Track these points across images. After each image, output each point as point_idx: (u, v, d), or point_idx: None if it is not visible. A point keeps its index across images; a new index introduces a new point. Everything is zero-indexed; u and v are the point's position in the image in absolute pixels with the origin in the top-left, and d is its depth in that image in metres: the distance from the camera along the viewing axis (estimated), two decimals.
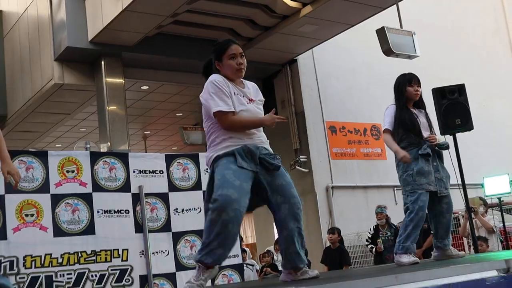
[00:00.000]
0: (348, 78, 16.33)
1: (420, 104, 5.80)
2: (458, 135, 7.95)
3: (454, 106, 7.74)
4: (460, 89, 7.93)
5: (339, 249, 11.72)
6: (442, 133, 7.75)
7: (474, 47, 19.33)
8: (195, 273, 4.05)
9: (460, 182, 7.28)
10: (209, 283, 4.41)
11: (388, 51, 11.79)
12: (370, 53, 13.98)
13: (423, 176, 5.45)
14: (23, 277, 5.91)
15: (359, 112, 16.58)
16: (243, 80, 4.50)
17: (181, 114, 18.13)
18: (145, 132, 19.47)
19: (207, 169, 4.70)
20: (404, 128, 5.58)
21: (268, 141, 4.44)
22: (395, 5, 12.55)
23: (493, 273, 3.57)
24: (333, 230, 12.24)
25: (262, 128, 4.42)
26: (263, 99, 4.58)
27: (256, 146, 4.19)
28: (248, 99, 4.35)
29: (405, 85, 5.67)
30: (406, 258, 5.44)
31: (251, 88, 4.51)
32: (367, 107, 16.53)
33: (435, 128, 6.10)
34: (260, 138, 4.33)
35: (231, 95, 4.24)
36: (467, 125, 7.82)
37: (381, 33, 11.78)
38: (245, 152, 4.12)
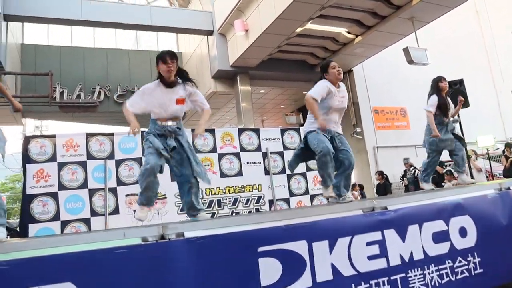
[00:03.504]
0: (385, 79, 15.99)
1: (447, 93, 5.54)
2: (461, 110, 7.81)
3: (457, 92, 7.60)
4: (460, 82, 7.82)
5: (384, 184, 11.76)
6: None
7: (463, 56, 18.44)
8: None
9: None
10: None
11: (410, 61, 11.62)
12: (398, 62, 13.64)
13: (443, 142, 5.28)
14: (205, 200, 6.28)
15: (392, 100, 16.25)
16: (340, 83, 4.30)
17: (284, 106, 18.04)
18: (262, 118, 19.54)
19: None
20: (441, 109, 5.36)
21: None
22: (413, 33, 12.38)
23: (491, 191, 3.59)
24: (378, 172, 12.34)
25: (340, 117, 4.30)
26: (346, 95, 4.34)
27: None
28: (339, 97, 4.21)
29: (438, 82, 5.46)
30: (428, 185, 5.42)
31: (343, 88, 4.32)
32: (397, 97, 16.27)
33: None
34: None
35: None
36: (465, 104, 7.71)
37: (406, 50, 11.61)
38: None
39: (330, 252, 2.68)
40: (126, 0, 17.75)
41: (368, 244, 2.85)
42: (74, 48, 16.01)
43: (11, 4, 11.69)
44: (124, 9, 13.29)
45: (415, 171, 11.34)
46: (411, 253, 3.01)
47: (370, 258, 2.83)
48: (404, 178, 11.67)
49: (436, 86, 5.52)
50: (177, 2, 18.37)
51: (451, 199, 3.36)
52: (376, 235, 2.91)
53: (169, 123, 3.69)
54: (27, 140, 5.84)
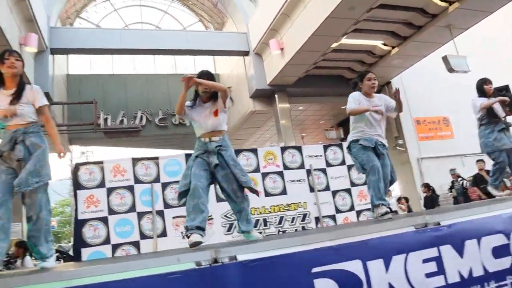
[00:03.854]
0: (426, 88, 15.63)
1: (493, 95, 5.48)
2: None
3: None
4: (506, 88, 7.54)
5: (431, 196, 11.39)
6: None
7: (505, 60, 17.71)
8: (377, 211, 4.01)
9: None
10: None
11: (450, 70, 11.34)
12: (438, 70, 13.26)
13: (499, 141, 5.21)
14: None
15: (434, 110, 15.87)
16: (375, 94, 4.37)
17: (323, 121, 17.94)
18: (302, 134, 19.43)
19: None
20: (487, 110, 5.28)
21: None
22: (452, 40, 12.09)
23: None
24: (424, 185, 11.99)
25: (382, 126, 4.30)
26: (388, 103, 4.38)
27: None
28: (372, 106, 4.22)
29: (483, 84, 5.41)
30: (497, 192, 5.34)
31: (377, 99, 4.35)
32: (439, 106, 15.85)
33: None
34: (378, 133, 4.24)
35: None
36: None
37: (445, 59, 11.35)
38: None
39: (386, 270, 2.60)
40: (163, 26, 18.29)
41: (425, 261, 2.75)
42: (116, 75, 16.61)
43: (57, 38, 12.30)
44: (161, 36, 13.70)
45: (463, 182, 10.93)
46: (470, 269, 2.89)
47: (428, 275, 2.73)
48: (452, 190, 11.25)
49: (481, 88, 5.39)
50: (212, 26, 18.75)
51: (510, 211, 3.19)
52: (432, 252, 2.81)
53: (212, 139, 3.70)
54: (77, 167, 6.04)
